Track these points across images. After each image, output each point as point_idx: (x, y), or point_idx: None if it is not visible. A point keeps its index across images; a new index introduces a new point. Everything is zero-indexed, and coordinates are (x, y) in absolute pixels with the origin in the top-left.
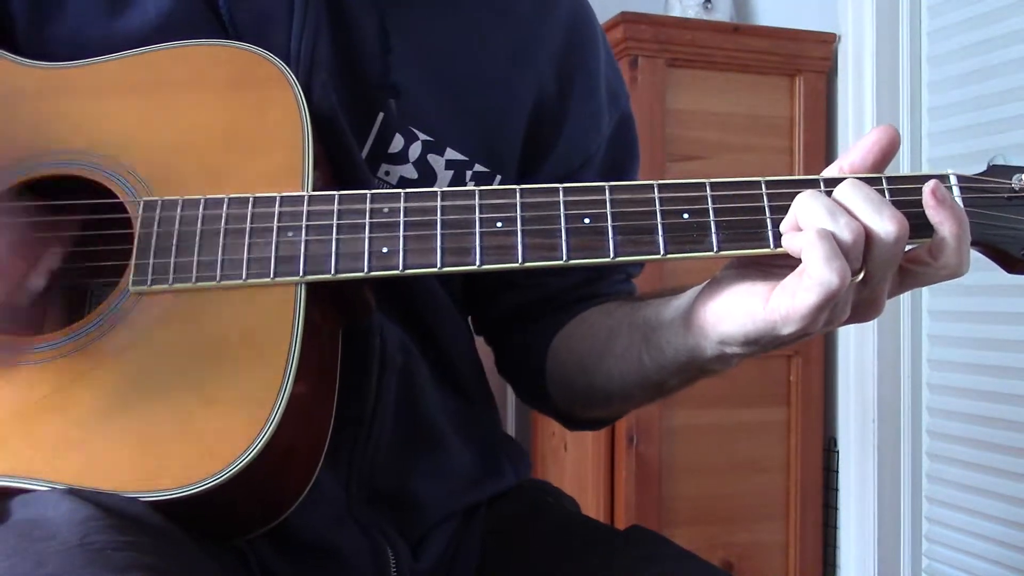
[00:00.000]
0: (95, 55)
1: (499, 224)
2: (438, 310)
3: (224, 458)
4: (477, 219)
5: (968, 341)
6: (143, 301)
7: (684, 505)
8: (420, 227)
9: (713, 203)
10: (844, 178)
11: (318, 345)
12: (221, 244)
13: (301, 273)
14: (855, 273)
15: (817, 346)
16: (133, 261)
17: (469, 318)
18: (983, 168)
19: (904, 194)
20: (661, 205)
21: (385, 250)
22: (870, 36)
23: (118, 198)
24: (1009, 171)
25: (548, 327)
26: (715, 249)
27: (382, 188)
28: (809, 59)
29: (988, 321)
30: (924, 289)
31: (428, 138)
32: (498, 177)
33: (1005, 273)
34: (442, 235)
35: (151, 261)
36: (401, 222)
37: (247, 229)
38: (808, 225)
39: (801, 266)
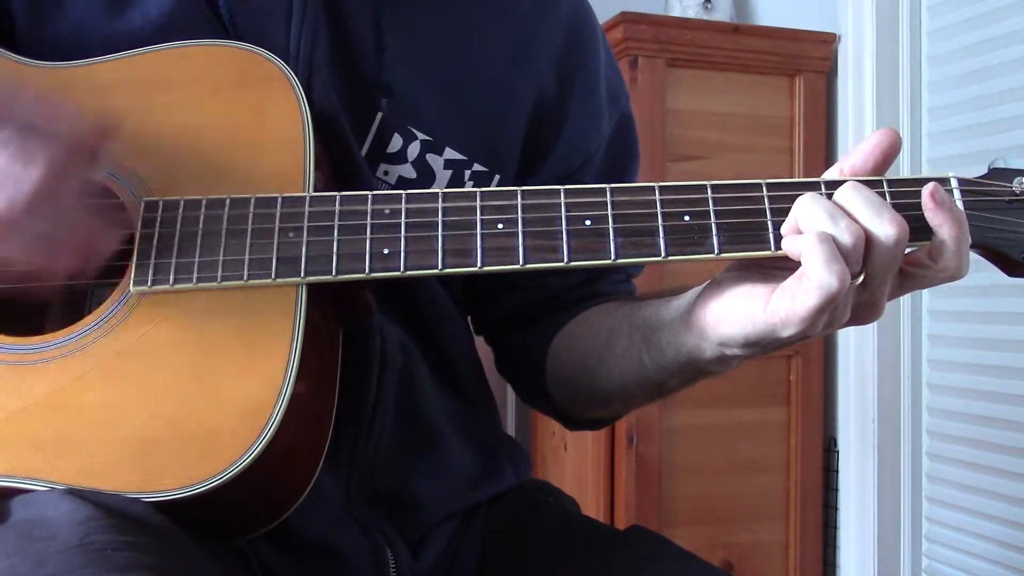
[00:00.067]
0: (96, 54)
1: (500, 225)
2: (438, 310)
3: (225, 459)
4: (478, 220)
5: (968, 341)
6: (144, 301)
7: (684, 505)
8: (421, 228)
9: (714, 205)
10: (845, 181)
11: (319, 346)
12: (222, 245)
13: (302, 274)
14: (855, 276)
15: (817, 346)
16: (134, 261)
17: (468, 318)
18: (983, 169)
19: (904, 197)
20: (662, 207)
21: (386, 251)
22: (870, 36)
23: (119, 198)
24: (1010, 174)
25: (548, 327)
26: (716, 251)
27: (381, 188)
28: (809, 59)
29: (988, 321)
30: (924, 289)
31: (427, 138)
32: (497, 177)
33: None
34: (443, 236)
35: (152, 261)
36: (402, 223)
37: (248, 230)
38: (808, 228)
39: (801, 268)
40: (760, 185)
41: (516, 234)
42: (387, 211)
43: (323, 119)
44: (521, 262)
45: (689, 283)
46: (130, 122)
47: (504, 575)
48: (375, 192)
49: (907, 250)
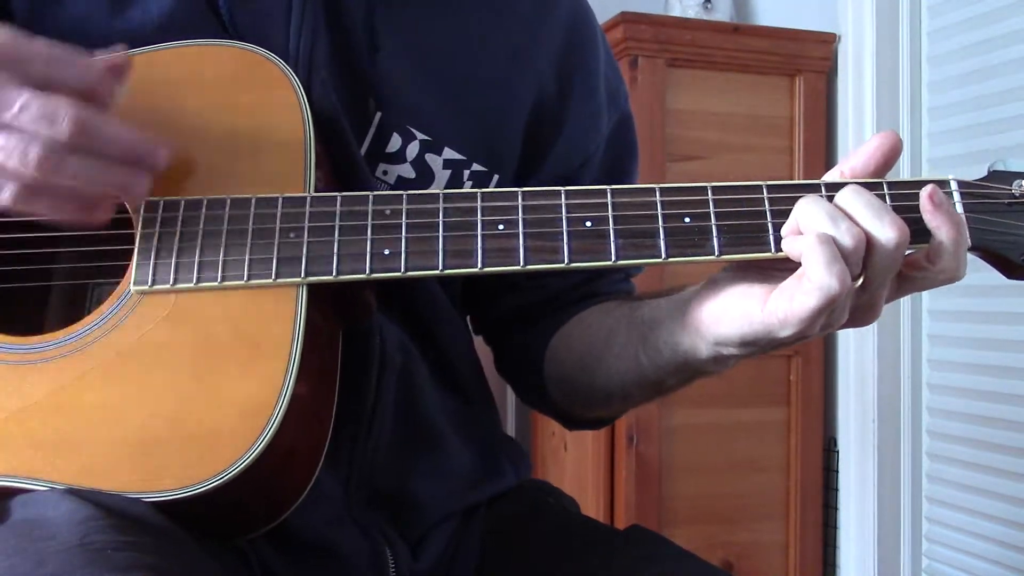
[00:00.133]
0: (95, 53)
1: (501, 226)
2: (437, 311)
3: (226, 459)
4: (479, 221)
5: (968, 341)
6: (145, 301)
7: (684, 505)
8: (422, 229)
9: (714, 207)
10: (845, 183)
11: (319, 346)
12: (223, 245)
13: (303, 274)
14: (855, 278)
15: (817, 346)
16: (135, 261)
17: (468, 318)
18: (983, 170)
19: (904, 199)
20: (662, 209)
21: (387, 252)
22: (870, 36)
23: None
24: (1009, 176)
25: (547, 327)
26: (716, 253)
27: (380, 188)
28: (809, 59)
29: (988, 321)
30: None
31: (426, 137)
32: (496, 177)
33: None
34: (444, 237)
35: (153, 261)
36: (403, 224)
37: (249, 230)
38: (809, 229)
39: (800, 269)
40: (760, 187)
41: (517, 235)
42: (388, 212)
43: (323, 119)
44: (521, 263)
45: (688, 284)
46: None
47: (504, 575)
48: (376, 192)
49: (906, 252)
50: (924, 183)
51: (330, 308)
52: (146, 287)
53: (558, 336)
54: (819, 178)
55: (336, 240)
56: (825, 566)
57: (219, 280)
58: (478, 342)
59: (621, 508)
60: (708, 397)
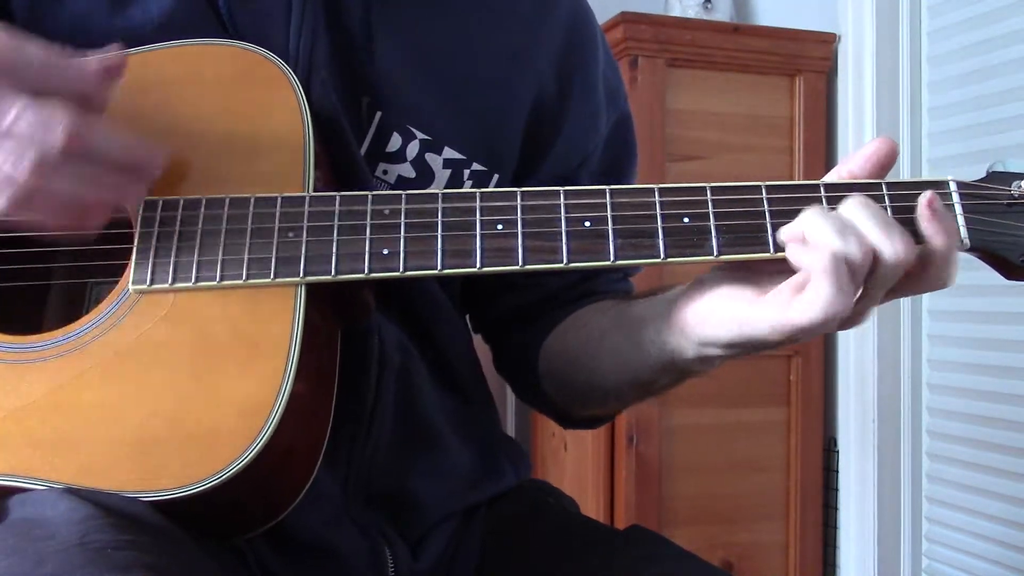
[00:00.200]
0: (94, 52)
1: (500, 226)
2: (436, 310)
3: (224, 458)
4: (478, 221)
5: (968, 341)
6: (143, 300)
7: (684, 505)
8: (421, 229)
9: (713, 207)
10: (844, 184)
11: (317, 345)
12: (221, 244)
13: (301, 274)
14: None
15: (817, 346)
16: (133, 260)
17: (467, 317)
18: (983, 170)
19: (902, 200)
20: (661, 209)
21: (385, 251)
22: (870, 36)
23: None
24: (1008, 178)
25: (544, 325)
26: (715, 253)
27: (380, 187)
28: (809, 59)
29: (988, 321)
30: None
31: (426, 137)
32: (496, 176)
33: None
34: (443, 237)
35: (151, 261)
36: (402, 223)
37: (248, 229)
38: (817, 242)
39: (796, 277)
40: (760, 187)
41: (516, 235)
42: (387, 211)
43: (323, 119)
44: (520, 263)
45: (682, 283)
46: (129, 121)
47: (504, 575)
48: (375, 192)
49: None
50: (923, 184)
51: (329, 308)
52: (144, 286)
53: (554, 334)
54: (819, 178)
55: (335, 240)
56: (825, 566)
57: (218, 279)
58: (477, 341)
59: (621, 508)
60: (708, 397)
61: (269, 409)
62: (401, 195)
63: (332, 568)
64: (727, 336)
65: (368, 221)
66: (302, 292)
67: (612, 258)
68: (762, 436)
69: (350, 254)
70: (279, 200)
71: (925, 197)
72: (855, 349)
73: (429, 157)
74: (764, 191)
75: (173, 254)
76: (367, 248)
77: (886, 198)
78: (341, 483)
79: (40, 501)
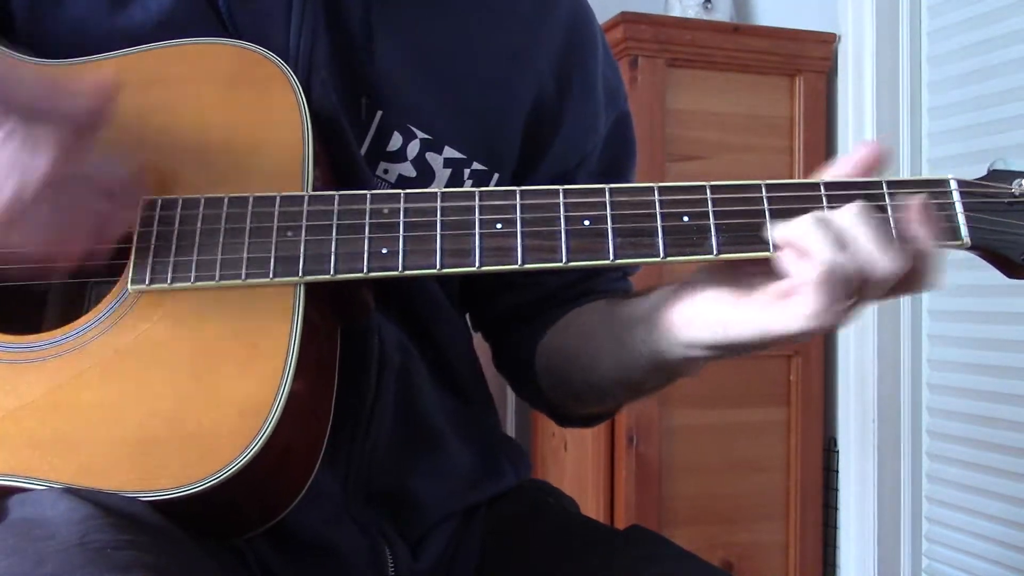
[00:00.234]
0: (95, 51)
1: (499, 225)
2: (436, 310)
3: (223, 458)
4: (477, 220)
5: (968, 341)
6: (142, 300)
7: (684, 505)
8: (420, 228)
9: (713, 206)
10: (843, 182)
11: (317, 345)
12: (220, 244)
13: (300, 273)
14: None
15: (817, 346)
16: (132, 260)
17: (467, 315)
18: (983, 170)
19: (901, 200)
20: (661, 208)
21: (384, 251)
22: (870, 36)
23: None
24: (1009, 176)
25: (542, 323)
26: (715, 252)
27: (381, 186)
28: (809, 59)
29: (988, 321)
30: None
31: (426, 136)
32: (496, 175)
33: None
34: (442, 236)
35: (150, 260)
36: (401, 223)
37: (246, 229)
38: (811, 255)
39: (784, 285)
40: (759, 186)
41: (515, 234)
42: (386, 211)
43: (322, 118)
44: (519, 262)
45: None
46: (129, 120)
47: (504, 575)
48: (374, 192)
49: None
50: (923, 183)
51: (328, 307)
52: (144, 286)
53: (551, 332)
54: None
55: (334, 239)
56: (825, 566)
57: (216, 279)
58: (477, 340)
59: (621, 508)
60: (708, 397)
61: (268, 409)
62: (400, 194)
63: (332, 567)
64: (711, 338)
65: (367, 220)
66: (301, 291)
67: (611, 257)
68: (762, 436)
69: (349, 253)
70: (278, 199)
71: (918, 200)
72: (855, 349)
73: (430, 156)
74: (764, 190)
75: (172, 254)
76: (366, 247)
77: (886, 196)
78: (341, 481)
79: (40, 501)
